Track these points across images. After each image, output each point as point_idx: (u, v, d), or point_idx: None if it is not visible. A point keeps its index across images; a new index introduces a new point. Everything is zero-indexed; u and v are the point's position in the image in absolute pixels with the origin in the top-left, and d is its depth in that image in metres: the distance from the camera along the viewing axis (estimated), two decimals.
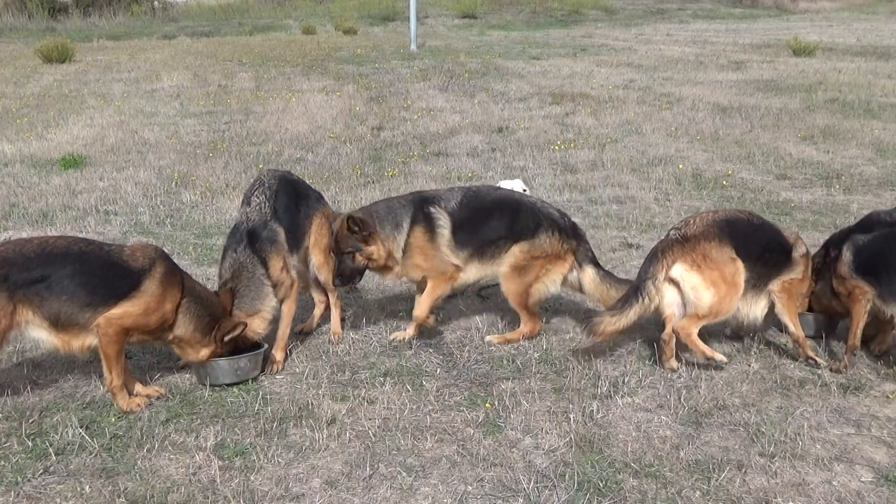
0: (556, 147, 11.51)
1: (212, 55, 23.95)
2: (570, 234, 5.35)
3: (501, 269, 5.30)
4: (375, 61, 22.26)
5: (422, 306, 5.20)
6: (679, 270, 4.77)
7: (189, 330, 4.54)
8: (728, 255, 4.78)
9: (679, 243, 4.81)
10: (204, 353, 4.61)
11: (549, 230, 5.28)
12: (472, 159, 10.97)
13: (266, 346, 5.02)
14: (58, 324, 4.22)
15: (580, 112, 14.28)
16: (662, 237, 5.05)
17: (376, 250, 5.10)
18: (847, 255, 4.98)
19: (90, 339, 4.30)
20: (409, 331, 5.29)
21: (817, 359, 4.90)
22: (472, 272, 5.29)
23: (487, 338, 5.36)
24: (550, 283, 5.34)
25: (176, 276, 4.51)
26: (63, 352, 4.34)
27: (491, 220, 5.26)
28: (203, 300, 4.62)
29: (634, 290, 4.83)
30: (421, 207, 5.18)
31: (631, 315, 4.79)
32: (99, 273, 4.27)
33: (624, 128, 12.94)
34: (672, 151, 11.20)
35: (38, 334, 4.26)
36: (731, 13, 45.14)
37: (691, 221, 4.93)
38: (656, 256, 4.84)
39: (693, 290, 4.77)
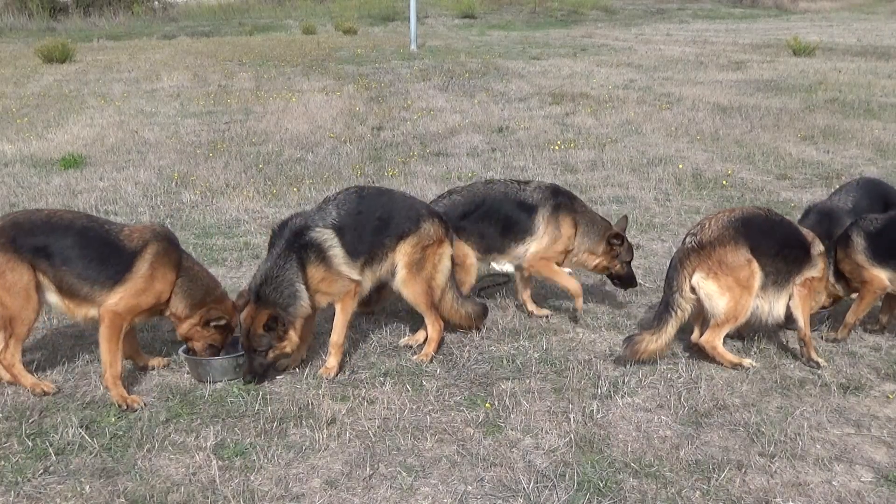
0: (556, 147, 11.50)
1: (212, 55, 23.96)
2: (444, 219, 5.20)
3: (398, 274, 5.00)
4: (375, 61, 22.26)
5: (339, 332, 4.86)
6: (697, 279, 4.81)
7: (180, 307, 4.72)
8: (744, 258, 4.80)
9: (695, 251, 4.83)
10: (184, 328, 4.75)
11: (429, 218, 5.08)
12: (472, 159, 10.97)
13: None
14: (62, 290, 4.52)
15: (580, 112, 14.28)
16: (679, 244, 5.05)
17: (290, 341, 4.68)
18: (859, 241, 5.07)
19: (93, 311, 4.56)
20: (333, 360, 4.85)
21: (819, 360, 4.91)
22: (367, 280, 4.95)
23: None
24: (445, 270, 5.11)
25: (171, 257, 4.67)
26: (71, 318, 4.73)
27: (372, 220, 4.92)
28: (199, 280, 4.78)
29: (665, 305, 4.86)
30: (299, 241, 4.71)
31: (669, 330, 4.84)
32: (95, 248, 4.55)
33: (624, 128, 12.93)
34: (672, 151, 11.19)
35: (51, 298, 4.57)
36: (731, 13, 45.13)
37: (707, 225, 4.90)
38: (676, 268, 4.87)
39: (708, 297, 4.81)
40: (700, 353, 4.95)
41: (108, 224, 4.78)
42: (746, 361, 4.88)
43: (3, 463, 3.91)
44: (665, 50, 25.21)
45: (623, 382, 4.67)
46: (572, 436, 4.10)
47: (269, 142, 12.03)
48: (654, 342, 4.80)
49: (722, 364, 4.85)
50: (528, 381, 4.72)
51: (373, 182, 9.64)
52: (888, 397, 4.52)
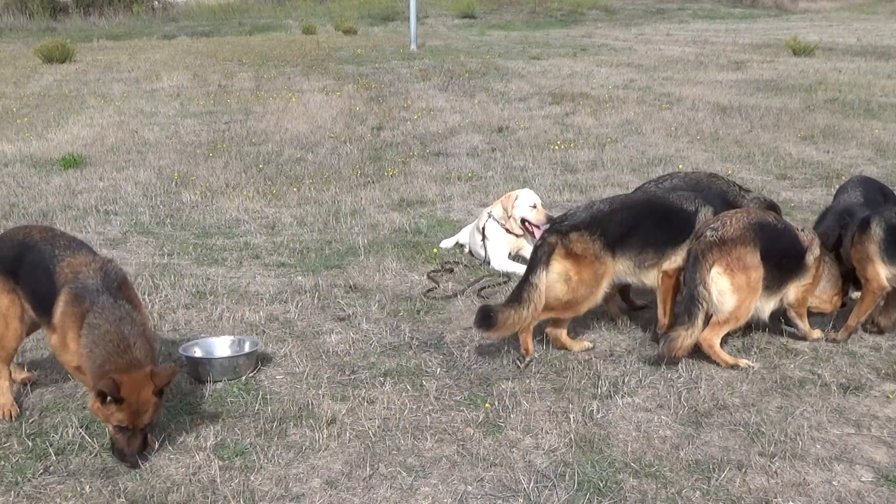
0: (556, 147, 11.50)
1: (212, 55, 23.95)
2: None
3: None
4: (375, 61, 22.26)
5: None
6: (713, 273, 4.81)
7: (87, 369, 3.89)
8: (757, 260, 4.84)
9: (717, 245, 4.82)
10: (90, 402, 3.83)
11: None
12: (472, 159, 10.97)
13: (261, 343, 5.04)
14: (34, 314, 4.27)
15: (580, 112, 14.28)
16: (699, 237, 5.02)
17: None
18: (877, 230, 5.02)
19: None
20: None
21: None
22: None
23: None
24: None
25: (78, 304, 3.89)
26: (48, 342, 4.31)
27: None
28: (105, 339, 3.81)
29: (692, 298, 4.83)
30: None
31: (699, 323, 4.81)
32: (43, 278, 4.07)
33: (624, 128, 12.93)
34: (672, 151, 11.19)
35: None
36: (731, 13, 45.11)
37: (728, 223, 4.91)
38: (698, 260, 4.85)
39: (720, 294, 4.80)
40: (699, 353, 4.93)
41: (60, 251, 4.14)
42: (743, 362, 4.87)
43: (3, 463, 3.91)
44: (665, 50, 25.20)
45: (623, 382, 4.67)
46: (572, 436, 4.11)
47: (269, 142, 12.03)
48: (689, 337, 4.77)
49: (718, 364, 4.85)
50: (528, 381, 4.72)
51: (372, 181, 9.64)
52: (888, 397, 4.52)
